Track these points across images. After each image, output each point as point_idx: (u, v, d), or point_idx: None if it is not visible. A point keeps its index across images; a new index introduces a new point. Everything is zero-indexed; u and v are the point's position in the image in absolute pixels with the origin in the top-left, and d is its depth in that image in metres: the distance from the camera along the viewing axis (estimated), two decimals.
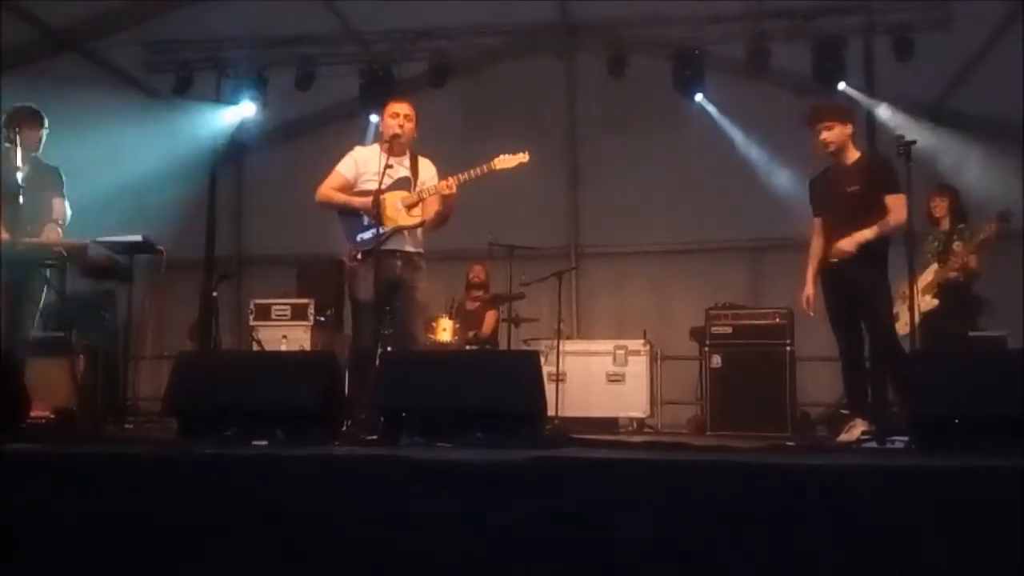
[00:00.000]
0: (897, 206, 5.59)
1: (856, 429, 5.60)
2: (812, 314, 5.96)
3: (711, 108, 10.84)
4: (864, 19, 9.31)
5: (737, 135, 10.91)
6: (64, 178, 6.33)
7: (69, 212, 6.27)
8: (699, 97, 10.46)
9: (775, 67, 9.77)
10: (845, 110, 6.10)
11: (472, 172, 5.66)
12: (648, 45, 10.07)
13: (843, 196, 5.72)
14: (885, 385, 5.79)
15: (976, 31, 9.23)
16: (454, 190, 5.72)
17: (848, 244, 5.63)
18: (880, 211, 5.61)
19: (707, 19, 9.64)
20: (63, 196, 6.23)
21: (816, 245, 6.00)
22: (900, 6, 9.11)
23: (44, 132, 6.20)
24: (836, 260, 5.71)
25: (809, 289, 5.96)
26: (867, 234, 5.59)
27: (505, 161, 5.68)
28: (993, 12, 8.93)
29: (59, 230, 6.08)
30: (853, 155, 5.82)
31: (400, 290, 5.72)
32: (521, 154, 5.71)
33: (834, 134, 5.77)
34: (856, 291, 5.69)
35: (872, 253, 5.65)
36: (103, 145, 10.23)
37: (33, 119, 6.13)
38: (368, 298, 5.57)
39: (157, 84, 10.46)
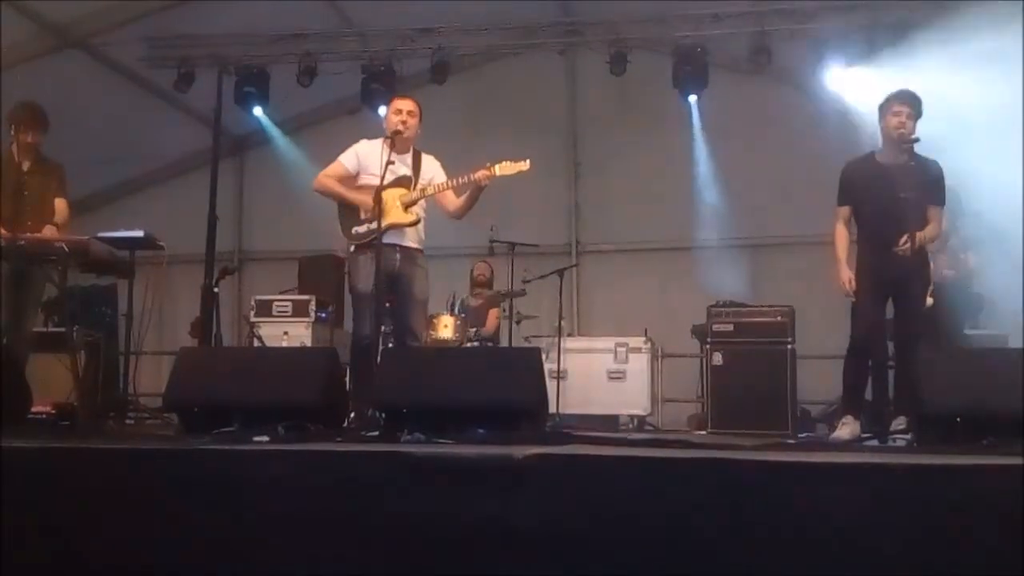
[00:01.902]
0: (937, 219, 5.64)
1: (847, 427, 5.57)
2: (854, 297, 5.72)
3: (696, 113, 10.82)
4: (866, 17, 9.28)
5: (738, 133, 10.90)
6: (66, 177, 6.29)
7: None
8: (693, 99, 10.38)
9: (777, 65, 9.75)
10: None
11: (472, 176, 5.68)
12: (650, 42, 10.05)
13: (896, 200, 5.49)
14: (887, 381, 5.76)
15: (975, 29, 9.20)
16: (450, 195, 5.80)
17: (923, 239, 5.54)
18: (923, 218, 5.57)
19: (709, 17, 9.62)
20: (65, 196, 6.21)
21: (842, 234, 5.87)
22: (901, 5, 9.09)
23: (46, 129, 6.17)
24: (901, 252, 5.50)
25: (847, 271, 5.75)
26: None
27: (506, 168, 5.69)
28: (993, 10, 8.90)
29: (54, 230, 6.04)
30: (904, 155, 5.58)
31: (399, 284, 5.73)
32: (523, 162, 5.71)
33: (913, 126, 5.59)
34: (898, 282, 5.61)
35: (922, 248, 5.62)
36: (105, 141, 10.25)
37: (35, 116, 6.11)
38: (367, 289, 5.59)
39: (159, 80, 10.44)
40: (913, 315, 5.63)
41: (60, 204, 6.15)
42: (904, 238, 5.42)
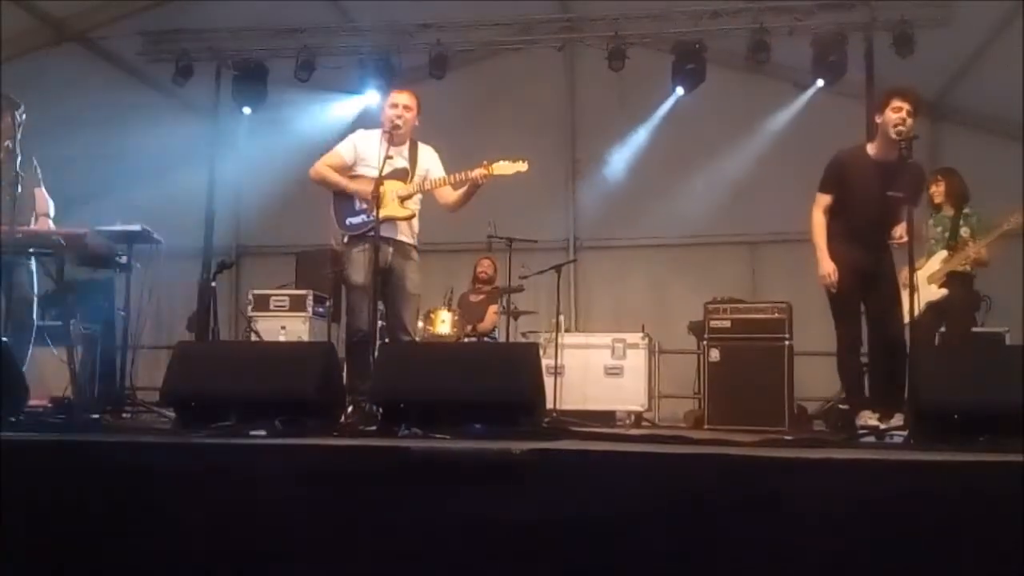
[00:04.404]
0: (911, 219, 5.61)
1: (872, 420, 5.50)
2: (834, 288, 5.67)
3: (669, 104, 10.83)
4: (865, 14, 9.29)
5: (736, 129, 10.90)
6: (38, 167, 6.11)
7: (51, 202, 6.15)
8: (679, 91, 10.31)
9: (776, 62, 9.76)
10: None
11: (468, 173, 5.68)
12: (648, 39, 10.05)
13: (883, 198, 5.52)
14: (882, 374, 5.73)
15: (976, 27, 9.22)
16: (446, 190, 5.79)
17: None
18: (903, 216, 5.52)
19: (708, 13, 9.63)
20: (42, 186, 6.13)
21: (821, 222, 5.80)
22: (899, 5, 9.10)
23: (21, 119, 6.05)
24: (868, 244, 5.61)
25: (830, 264, 5.68)
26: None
27: (504, 167, 5.68)
28: (993, 8, 8.92)
29: (51, 222, 5.99)
30: (895, 152, 5.49)
31: (391, 278, 5.73)
32: (521, 162, 5.70)
33: (912, 124, 5.52)
34: (875, 275, 5.63)
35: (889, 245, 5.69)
36: (103, 134, 10.23)
37: (10, 106, 6.01)
38: (361, 281, 5.60)
39: (157, 74, 10.43)
40: (893, 313, 5.62)
41: (39, 194, 6.07)
42: (898, 230, 5.48)
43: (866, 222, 5.65)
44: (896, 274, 5.72)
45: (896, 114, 5.52)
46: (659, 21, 9.85)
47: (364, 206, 5.70)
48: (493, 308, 9.36)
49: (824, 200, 5.83)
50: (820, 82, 9.80)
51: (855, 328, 5.70)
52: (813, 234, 5.82)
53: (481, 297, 9.46)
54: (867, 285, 5.68)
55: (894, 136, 5.46)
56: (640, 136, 11.25)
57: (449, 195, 5.87)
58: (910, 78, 8.86)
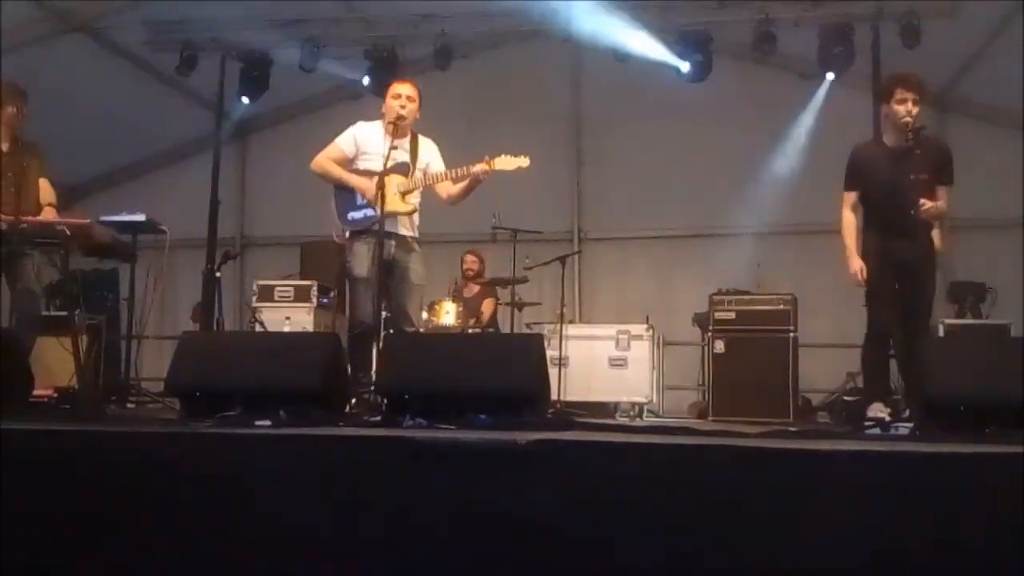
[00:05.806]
0: (946, 198, 5.50)
1: (878, 410, 5.46)
2: (864, 286, 5.60)
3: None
4: (871, 5, 9.27)
5: (740, 121, 10.86)
6: (43, 157, 6.16)
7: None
8: (685, 66, 10.20)
9: (782, 52, 9.73)
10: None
11: (470, 168, 5.66)
12: (654, 29, 10.02)
13: (907, 182, 5.42)
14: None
15: (983, 19, 9.19)
16: (447, 183, 5.77)
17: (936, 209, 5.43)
18: (933, 198, 5.44)
19: (713, 4, 9.60)
20: (47, 176, 6.13)
21: (850, 221, 5.74)
22: None
23: (26, 109, 6.05)
24: (900, 232, 5.50)
25: (858, 261, 5.61)
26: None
27: (505, 162, 5.66)
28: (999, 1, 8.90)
29: (55, 212, 6.00)
30: (911, 139, 5.46)
31: (394, 271, 5.72)
32: (522, 157, 5.68)
33: (919, 113, 5.47)
34: (909, 261, 5.53)
35: (929, 231, 5.57)
36: (107, 124, 10.24)
37: (15, 96, 6.02)
38: (364, 274, 5.60)
39: (162, 64, 10.42)
40: (923, 303, 5.56)
41: (44, 184, 6.07)
42: (924, 202, 5.34)
43: (897, 210, 5.50)
44: (933, 267, 5.64)
45: (902, 105, 5.48)
46: (664, 12, 9.83)
47: (365, 200, 5.68)
48: (488, 301, 9.35)
49: (851, 198, 5.77)
50: (830, 75, 9.80)
51: (885, 317, 5.56)
52: (843, 233, 5.76)
53: (476, 291, 9.44)
54: (902, 272, 5.58)
55: (902, 127, 5.43)
56: (646, 127, 11.21)
57: (450, 188, 5.86)
58: (917, 69, 8.86)
